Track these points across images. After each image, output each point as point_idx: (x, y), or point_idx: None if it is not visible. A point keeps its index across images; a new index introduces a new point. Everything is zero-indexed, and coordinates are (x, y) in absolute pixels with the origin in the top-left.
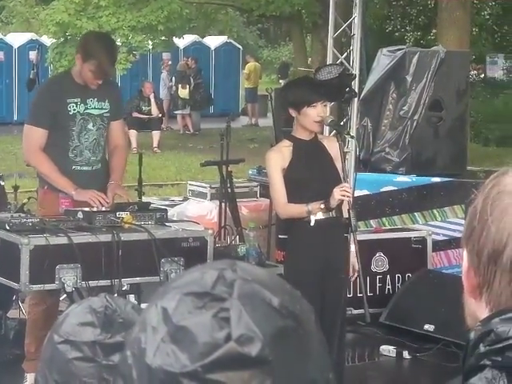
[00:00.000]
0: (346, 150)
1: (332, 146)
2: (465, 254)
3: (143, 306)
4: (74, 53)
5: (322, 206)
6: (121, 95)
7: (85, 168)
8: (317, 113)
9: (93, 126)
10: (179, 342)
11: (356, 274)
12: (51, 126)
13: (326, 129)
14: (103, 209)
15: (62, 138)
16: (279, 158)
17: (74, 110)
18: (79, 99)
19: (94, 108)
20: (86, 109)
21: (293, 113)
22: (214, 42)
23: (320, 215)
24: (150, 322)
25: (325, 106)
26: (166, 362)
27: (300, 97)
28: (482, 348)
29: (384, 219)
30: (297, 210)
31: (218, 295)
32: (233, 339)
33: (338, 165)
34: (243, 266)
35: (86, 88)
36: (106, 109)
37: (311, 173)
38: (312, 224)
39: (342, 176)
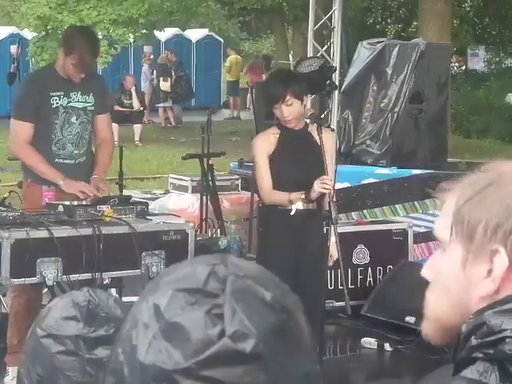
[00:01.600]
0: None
1: (326, 137)
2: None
3: (125, 299)
4: (56, 47)
5: (303, 197)
6: (107, 89)
7: (68, 161)
8: (280, 114)
9: (76, 120)
10: (172, 338)
11: (333, 261)
12: (36, 120)
13: (307, 121)
14: (84, 202)
15: (45, 131)
16: (266, 144)
17: (57, 103)
18: (62, 92)
19: (78, 101)
20: (69, 102)
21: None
22: (195, 34)
23: (300, 205)
24: (142, 318)
25: (289, 105)
26: (159, 358)
27: (269, 95)
28: (473, 341)
29: (365, 211)
30: (279, 197)
31: (211, 291)
32: (226, 335)
33: (330, 157)
34: (235, 261)
35: (69, 82)
36: (90, 102)
37: (295, 162)
38: (292, 213)
39: (333, 168)
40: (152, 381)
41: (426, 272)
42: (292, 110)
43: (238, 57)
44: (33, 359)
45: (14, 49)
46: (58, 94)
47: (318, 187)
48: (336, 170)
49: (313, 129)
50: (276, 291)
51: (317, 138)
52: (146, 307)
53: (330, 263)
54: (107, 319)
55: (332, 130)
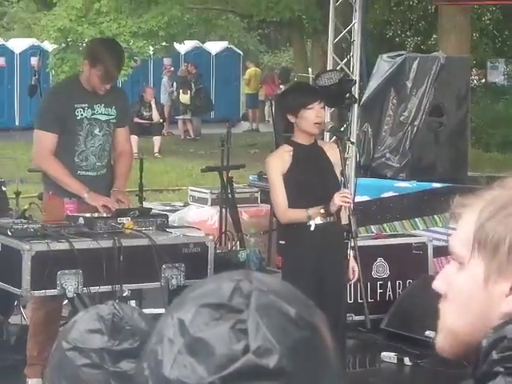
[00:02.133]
0: (346, 155)
1: (332, 151)
2: None
3: (144, 311)
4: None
5: (322, 211)
6: (128, 103)
7: (90, 173)
8: (315, 114)
9: (99, 132)
10: (196, 354)
11: (356, 277)
12: (60, 131)
13: (327, 135)
14: (104, 215)
15: (68, 142)
16: (279, 162)
17: (82, 114)
18: (87, 104)
19: (101, 114)
20: (93, 114)
21: (291, 118)
22: (214, 47)
23: (319, 220)
24: (167, 333)
25: (322, 108)
26: (184, 374)
27: (295, 101)
28: (494, 355)
29: (385, 225)
30: (297, 214)
31: (235, 307)
32: (251, 351)
33: (338, 170)
34: (259, 276)
35: (93, 94)
36: (112, 115)
37: (310, 177)
38: (312, 229)
39: (341, 181)
40: None
41: (438, 284)
42: (323, 114)
43: (257, 69)
44: (58, 372)
45: (34, 61)
46: (83, 105)
47: (338, 200)
48: (356, 183)
49: (322, 143)
50: (300, 307)
51: (330, 151)
52: (171, 323)
53: (354, 279)
54: (132, 332)
55: (352, 143)
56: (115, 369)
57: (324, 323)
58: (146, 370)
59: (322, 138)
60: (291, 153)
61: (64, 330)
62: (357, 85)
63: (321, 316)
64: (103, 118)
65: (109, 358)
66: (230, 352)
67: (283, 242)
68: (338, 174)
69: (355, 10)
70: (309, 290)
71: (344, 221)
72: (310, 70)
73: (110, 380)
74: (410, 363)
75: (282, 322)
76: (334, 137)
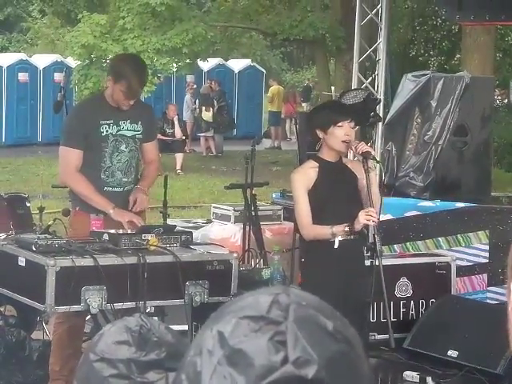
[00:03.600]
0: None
1: (357, 168)
2: None
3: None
4: (100, 75)
5: (347, 229)
6: (154, 117)
7: (116, 189)
8: (344, 132)
9: (125, 148)
10: (236, 364)
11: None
12: (85, 147)
13: (350, 152)
14: (129, 231)
15: (94, 158)
16: (304, 178)
17: (107, 131)
18: (112, 121)
19: (127, 130)
20: (119, 130)
21: (320, 134)
22: (237, 65)
23: (343, 237)
24: (206, 345)
25: (352, 127)
26: None
27: (327, 117)
28: None
29: (408, 244)
30: (321, 231)
31: (274, 319)
32: (290, 362)
33: (364, 190)
34: (296, 291)
35: (118, 110)
36: (138, 131)
37: (336, 194)
38: (336, 246)
39: (371, 199)
40: None
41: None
42: (353, 133)
43: (280, 87)
44: None
45: (58, 77)
46: (108, 122)
47: (363, 219)
48: (382, 203)
49: (347, 161)
50: (337, 321)
51: (356, 168)
52: (210, 335)
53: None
54: (159, 344)
55: (378, 162)
56: (142, 379)
57: (359, 341)
58: (184, 382)
59: (346, 156)
60: (317, 169)
61: (91, 342)
62: (381, 103)
63: (356, 333)
64: (129, 133)
65: (136, 368)
66: (269, 363)
67: (303, 260)
68: (364, 193)
69: (380, 29)
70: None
71: (369, 239)
72: (332, 88)
73: None
74: (432, 383)
75: (320, 335)
76: (361, 155)
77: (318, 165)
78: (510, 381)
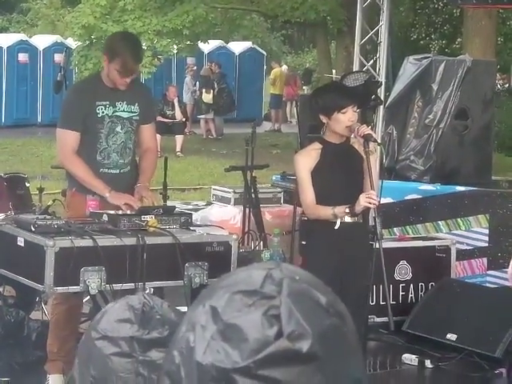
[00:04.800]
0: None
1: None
2: None
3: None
4: (100, 56)
5: (347, 211)
6: (152, 99)
7: (112, 171)
8: (348, 118)
9: (121, 129)
10: (230, 339)
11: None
12: (82, 129)
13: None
14: (128, 212)
15: (90, 140)
16: (307, 159)
17: (103, 112)
18: (108, 102)
19: (123, 111)
20: (115, 111)
21: (323, 119)
22: (238, 47)
23: (344, 219)
24: (199, 320)
25: (355, 111)
26: (217, 358)
27: (330, 102)
28: None
29: (408, 227)
30: (323, 212)
31: (268, 293)
32: (284, 336)
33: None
34: (288, 266)
35: (115, 91)
36: (135, 112)
37: (337, 176)
38: (337, 227)
39: (372, 181)
40: (210, 381)
41: None
42: (356, 117)
43: (282, 70)
44: (87, 362)
45: (59, 57)
46: (104, 103)
47: (363, 201)
48: (382, 186)
49: (355, 141)
50: (329, 296)
51: (360, 151)
52: (202, 310)
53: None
54: (162, 322)
55: (379, 144)
56: (144, 357)
57: (349, 315)
58: (177, 358)
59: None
60: (319, 151)
61: (93, 321)
62: (383, 86)
63: (346, 308)
64: (125, 115)
65: (138, 346)
66: (263, 337)
67: (304, 242)
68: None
69: (382, 11)
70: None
71: (370, 222)
72: (333, 71)
73: (139, 368)
74: (431, 366)
75: (314, 309)
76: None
77: (321, 146)
78: (508, 364)
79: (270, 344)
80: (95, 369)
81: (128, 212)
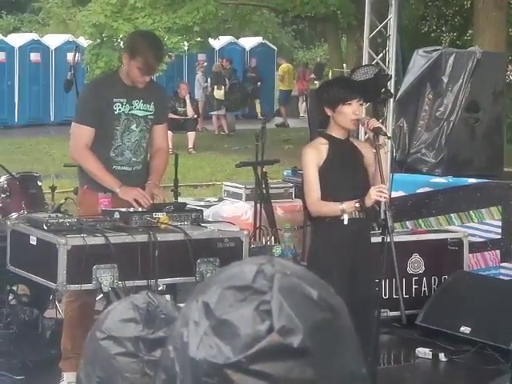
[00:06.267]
0: (385, 150)
1: (367, 150)
2: None
3: (180, 306)
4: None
5: (357, 205)
6: (167, 100)
7: (125, 168)
8: (352, 110)
9: (136, 127)
10: (222, 334)
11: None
12: (97, 125)
13: (361, 129)
14: (140, 209)
15: (105, 136)
16: (316, 154)
17: (120, 109)
18: (125, 99)
19: (139, 109)
20: (131, 109)
21: (328, 112)
22: (248, 42)
23: (353, 215)
24: (192, 316)
25: (360, 104)
26: (210, 354)
27: (335, 95)
28: None
29: (420, 220)
30: (331, 208)
31: (259, 288)
32: (275, 331)
33: (371, 169)
34: (281, 261)
35: (132, 89)
36: (150, 111)
37: (345, 172)
38: (345, 223)
39: (382, 175)
40: (203, 375)
41: None
42: (361, 110)
43: (290, 65)
44: (92, 362)
45: (71, 56)
46: (121, 100)
47: (374, 195)
48: (392, 179)
49: (355, 141)
50: (322, 290)
51: (365, 150)
52: (195, 306)
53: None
54: (166, 321)
55: (388, 137)
56: (150, 357)
57: (344, 309)
58: (171, 353)
59: (357, 131)
60: (327, 146)
61: (98, 320)
62: (392, 80)
63: (341, 301)
64: (141, 113)
65: (143, 346)
66: (255, 332)
67: (313, 240)
68: (370, 172)
69: (391, 5)
70: (339, 284)
71: (380, 216)
72: (344, 65)
73: (144, 368)
74: (444, 359)
75: (305, 304)
76: (371, 131)
77: (328, 142)
78: None
79: (262, 339)
80: (101, 369)
81: (140, 209)
